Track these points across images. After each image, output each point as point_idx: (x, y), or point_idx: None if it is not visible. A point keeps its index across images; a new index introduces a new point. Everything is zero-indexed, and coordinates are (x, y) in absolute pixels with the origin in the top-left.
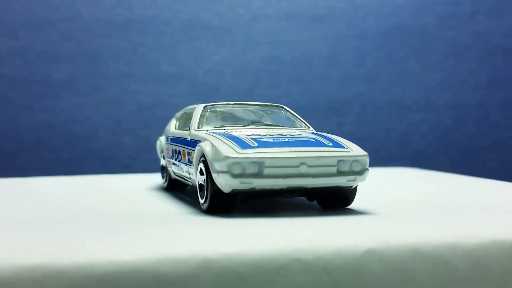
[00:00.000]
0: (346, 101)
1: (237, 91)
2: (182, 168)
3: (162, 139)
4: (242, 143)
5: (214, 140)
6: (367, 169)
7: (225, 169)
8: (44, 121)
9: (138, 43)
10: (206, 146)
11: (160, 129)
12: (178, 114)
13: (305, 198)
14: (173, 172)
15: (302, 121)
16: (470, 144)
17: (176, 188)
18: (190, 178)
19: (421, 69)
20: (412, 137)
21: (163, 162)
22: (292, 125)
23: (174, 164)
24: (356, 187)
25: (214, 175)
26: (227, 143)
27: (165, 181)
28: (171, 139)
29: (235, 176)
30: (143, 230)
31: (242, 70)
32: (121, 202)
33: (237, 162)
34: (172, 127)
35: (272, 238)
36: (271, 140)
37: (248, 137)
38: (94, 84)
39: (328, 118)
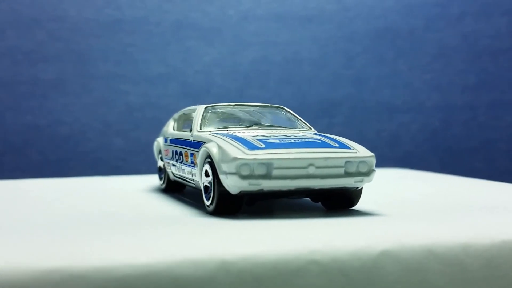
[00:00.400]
0: (335, 102)
1: (227, 92)
2: (184, 169)
3: (160, 140)
4: (249, 144)
5: (220, 141)
6: (374, 170)
7: (233, 170)
8: (31, 122)
9: (128, 44)
10: (212, 148)
11: (151, 130)
12: (176, 115)
13: (309, 199)
14: (173, 174)
15: (303, 122)
16: (458, 145)
17: (174, 189)
18: (193, 180)
19: (409, 70)
20: (401, 138)
21: (160, 163)
22: (293, 126)
23: (173, 165)
24: (361, 188)
25: (221, 177)
26: (234, 144)
27: (163, 183)
28: (170, 140)
29: (243, 177)
30: (155, 232)
31: (232, 71)
32: (123, 204)
33: (246, 164)
34: (170, 128)
35: (288, 240)
36: (277, 141)
37: (254, 138)
38: (82, 85)
39: (317, 119)
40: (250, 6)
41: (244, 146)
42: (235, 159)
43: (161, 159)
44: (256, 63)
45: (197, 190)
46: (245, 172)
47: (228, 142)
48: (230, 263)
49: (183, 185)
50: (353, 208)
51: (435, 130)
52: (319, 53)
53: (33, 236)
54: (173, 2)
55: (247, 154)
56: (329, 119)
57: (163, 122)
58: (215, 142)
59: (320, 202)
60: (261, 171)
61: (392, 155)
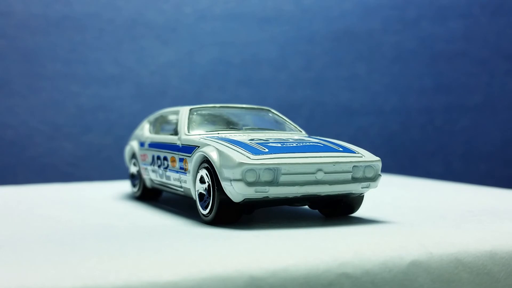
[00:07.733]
0: (295, 104)
1: (184, 93)
2: (169, 176)
3: (134, 145)
4: (251, 149)
5: (218, 146)
6: (380, 175)
7: (238, 176)
8: None
9: (78, 42)
10: (210, 152)
11: (103, 134)
12: (152, 118)
13: (306, 206)
14: (151, 180)
15: (292, 124)
16: (416, 148)
17: (150, 197)
18: (181, 187)
19: (368, 73)
20: (360, 141)
21: (133, 169)
22: (282, 128)
23: (153, 171)
24: (363, 194)
25: (224, 184)
26: (235, 149)
27: (138, 190)
28: (149, 144)
29: (249, 184)
30: (167, 246)
31: (189, 72)
32: (109, 215)
33: (251, 169)
34: (146, 131)
35: (315, 252)
36: (279, 145)
37: (252, 141)
38: (29, 85)
39: None
40: (207, 5)
41: (247, 151)
42: (240, 164)
43: (134, 165)
44: (214, 64)
45: (179, 197)
46: (251, 178)
47: (227, 146)
48: (259, 278)
49: (160, 193)
50: (356, 215)
51: (393, 133)
52: (278, 55)
53: (33, 254)
54: None
55: (252, 159)
56: None
57: (117, 126)
58: (213, 146)
59: (317, 209)
60: (267, 177)
61: None
